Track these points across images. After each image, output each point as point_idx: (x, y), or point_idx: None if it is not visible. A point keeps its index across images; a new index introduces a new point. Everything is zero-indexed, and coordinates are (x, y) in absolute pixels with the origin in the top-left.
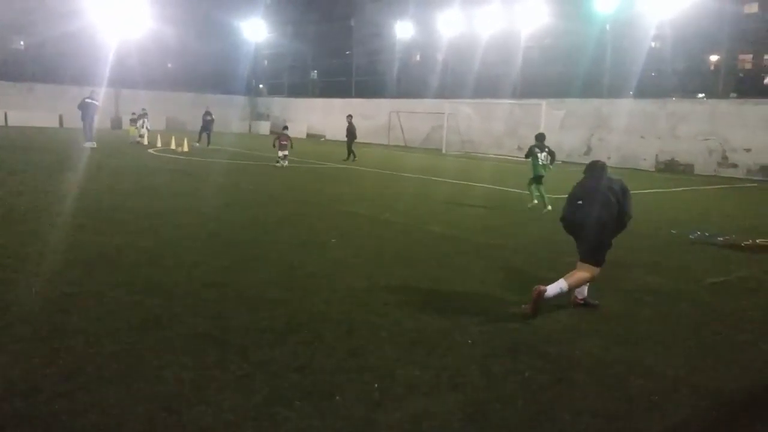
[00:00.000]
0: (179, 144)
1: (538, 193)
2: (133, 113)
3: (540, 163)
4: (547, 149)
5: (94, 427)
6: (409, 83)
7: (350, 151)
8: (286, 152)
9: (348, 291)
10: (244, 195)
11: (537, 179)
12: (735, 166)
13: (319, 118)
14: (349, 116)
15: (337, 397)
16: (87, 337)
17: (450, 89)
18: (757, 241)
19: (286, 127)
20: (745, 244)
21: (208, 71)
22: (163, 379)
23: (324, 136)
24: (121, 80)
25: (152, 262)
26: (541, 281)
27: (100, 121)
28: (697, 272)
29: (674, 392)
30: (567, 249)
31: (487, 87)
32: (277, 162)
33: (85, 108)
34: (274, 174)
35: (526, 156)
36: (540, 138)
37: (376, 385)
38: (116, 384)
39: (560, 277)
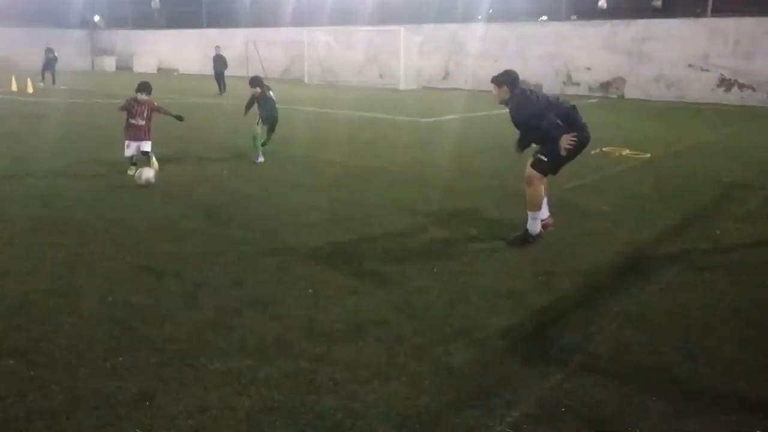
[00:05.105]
0: (23, 85)
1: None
2: None
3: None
4: None
5: (67, 349)
6: (263, 11)
7: (221, 83)
8: None
9: (254, 220)
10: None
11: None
12: (578, 84)
13: (170, 51)
14: (218, 47)
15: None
16: (19, 277)
17: (306, 16)
18: (603, 149)
19: None
20: (593, 153)
21: (31, 1)
22: (112, 304)
23: (177, 70)
24: None
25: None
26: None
27: None
28: (558, 178)
29: (561, 262)
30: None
31: (343, 12)
32: None
33: None
34: None
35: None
36: None
37: (310, 291)
38: (68, 314)
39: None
